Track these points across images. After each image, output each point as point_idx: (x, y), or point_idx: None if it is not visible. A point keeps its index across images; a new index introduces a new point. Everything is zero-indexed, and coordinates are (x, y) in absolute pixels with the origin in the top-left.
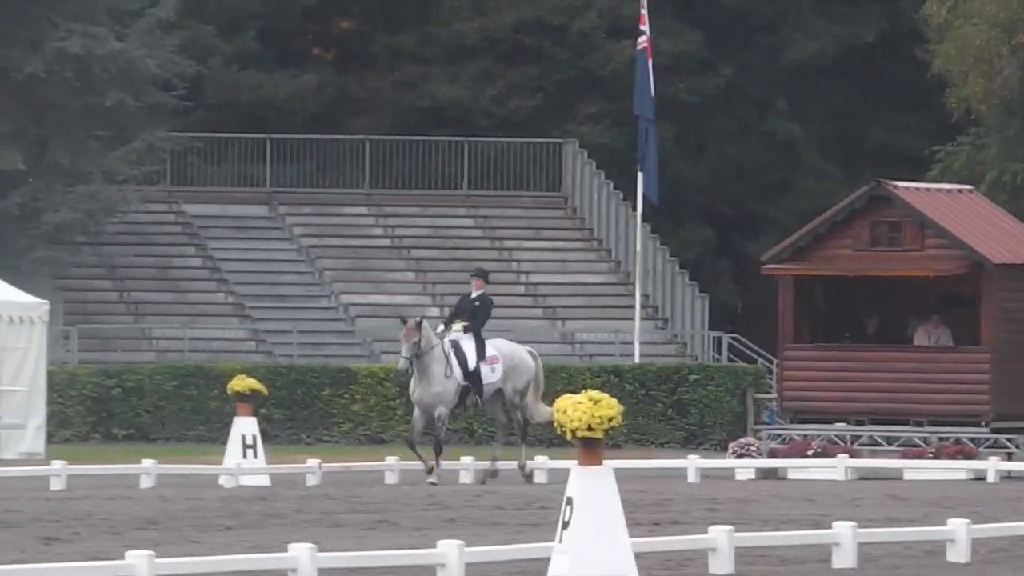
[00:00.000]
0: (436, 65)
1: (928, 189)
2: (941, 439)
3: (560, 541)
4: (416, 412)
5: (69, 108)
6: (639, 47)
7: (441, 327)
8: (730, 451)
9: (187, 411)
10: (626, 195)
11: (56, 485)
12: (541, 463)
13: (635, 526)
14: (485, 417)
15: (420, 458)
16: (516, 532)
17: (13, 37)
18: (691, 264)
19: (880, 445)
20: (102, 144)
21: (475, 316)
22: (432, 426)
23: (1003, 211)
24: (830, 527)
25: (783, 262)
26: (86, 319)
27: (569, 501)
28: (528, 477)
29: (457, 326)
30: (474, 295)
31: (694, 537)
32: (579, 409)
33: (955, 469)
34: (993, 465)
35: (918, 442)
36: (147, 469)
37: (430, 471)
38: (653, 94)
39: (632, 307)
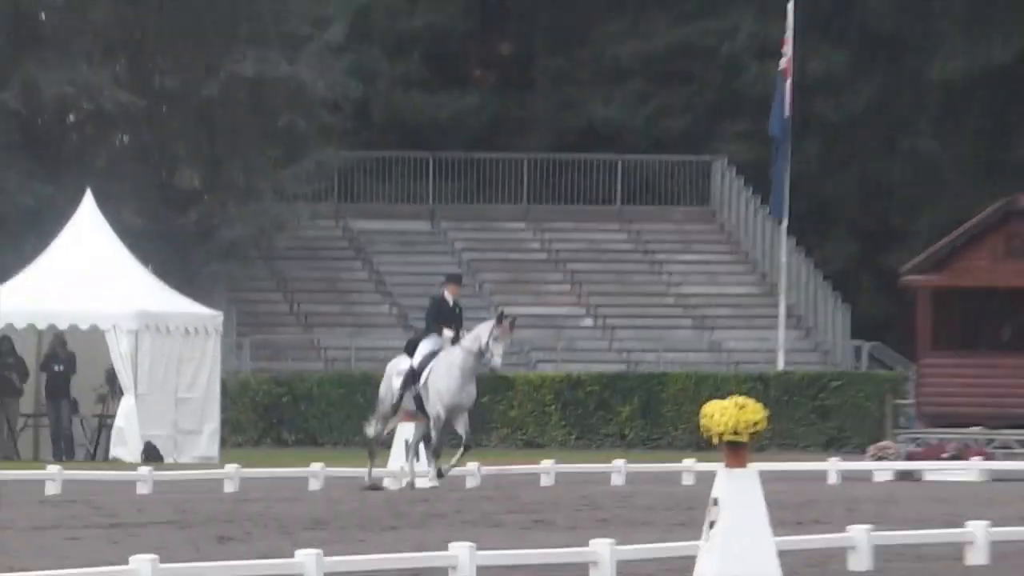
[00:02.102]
0: (592, 87)
1: None
2: None
3: (707, 539)
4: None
5: (243, 129)
6: (780, 68)
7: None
8: (869, 454)
9: (354, 417)
10: (772, 210)
11: (229, 487)
12: (689, 465)
13: (779, 525)
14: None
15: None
16: (665, 531)
17: (190, 63)
18: (834, 275)
19: (1013, 448)
20: (274, 163)
21: (461, 325)
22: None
23: None
24: (964, 526)
25: (922, 273)
26: (258, 330)
27: (715, 501)
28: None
29: (449, 333)
30: (451, 301)
31: (835, 536)
32: (725, 414)
33: None
34: None
35: None
36: (316, 472)
37: (440, 473)
38: (788, 114)
39: (776, 316)
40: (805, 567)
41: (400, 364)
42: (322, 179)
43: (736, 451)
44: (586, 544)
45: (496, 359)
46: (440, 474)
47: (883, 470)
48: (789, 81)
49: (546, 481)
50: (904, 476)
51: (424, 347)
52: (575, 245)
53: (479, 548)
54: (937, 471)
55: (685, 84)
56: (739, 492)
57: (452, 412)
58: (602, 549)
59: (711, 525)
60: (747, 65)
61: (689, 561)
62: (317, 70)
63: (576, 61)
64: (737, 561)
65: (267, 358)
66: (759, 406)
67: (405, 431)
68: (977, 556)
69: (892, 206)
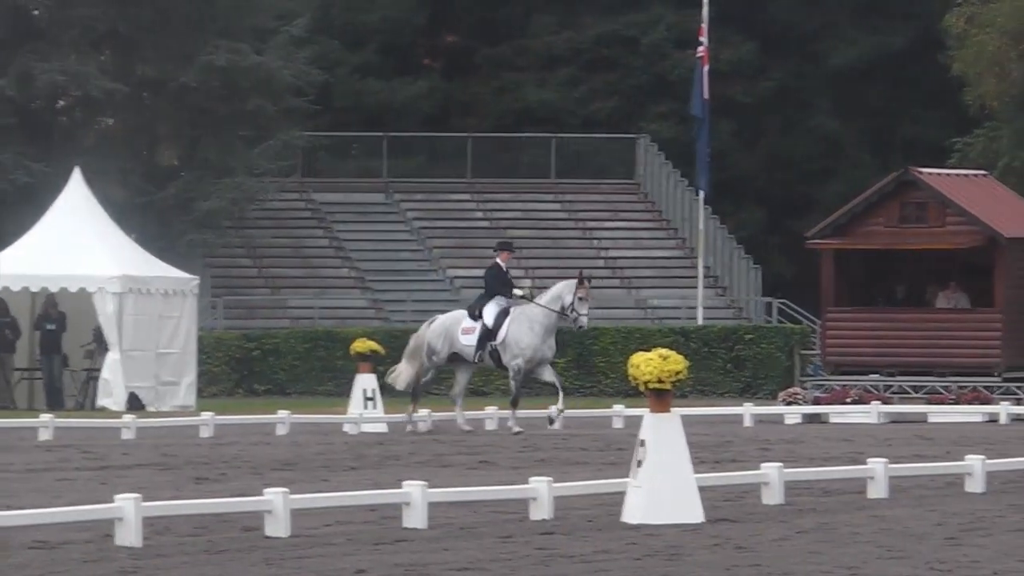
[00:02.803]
0: (529, 72)
1: (949, 174)
2: (960, 387)
3: (635, 477)
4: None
5: (217, 112)
6: (697, 56)
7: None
8: (780, 399)
9: (317, 369)
10: (691, 182)
11: (205, 433)
12: (619, 411)
13: (699, 464)
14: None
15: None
16: (598, 470)
17: (168, 53)
18: (746, 240)
19: (908, 393)
20: (245, 143)
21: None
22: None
23: (1014, 193)
24: (866, 463)
25: (825, 238)
26: (231, 292)
27: (642, 443)
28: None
29: (519, 292)
30: (504, 267)
31: (750, 473)
32: (651, 364)
33: (972, 413)
34: (1005, 409)
35: (940, 390)
36: (283, 419)
37: (551, 420)
38: (707, 97)
39: (696, 277)
40: (723, 501)
41: (464, 322)
42: (288, 157)
43: (660, 398)
44: (526, 482)
45: (583, 319)
46: (551, 420)
47: (792, 414)
48: (706, 68)
49: (491, 426)
50: (811, 419)
51: (492, 308)
52: (514, 215)
53: (430, 486)
54: (841, 414)
55: (612, 70)
56: (663, 434)
57: (535, 364)
58: (541, 486)
59: (639, 464)
60: (668, 53)
61: (619, 497)
62: (283, 59)
63: (514, 50)
64: (662, 495)
65: (239, 317)
66: (680, 357)
67: (363, 381)
68: (877, 490)
69: (798, 178)
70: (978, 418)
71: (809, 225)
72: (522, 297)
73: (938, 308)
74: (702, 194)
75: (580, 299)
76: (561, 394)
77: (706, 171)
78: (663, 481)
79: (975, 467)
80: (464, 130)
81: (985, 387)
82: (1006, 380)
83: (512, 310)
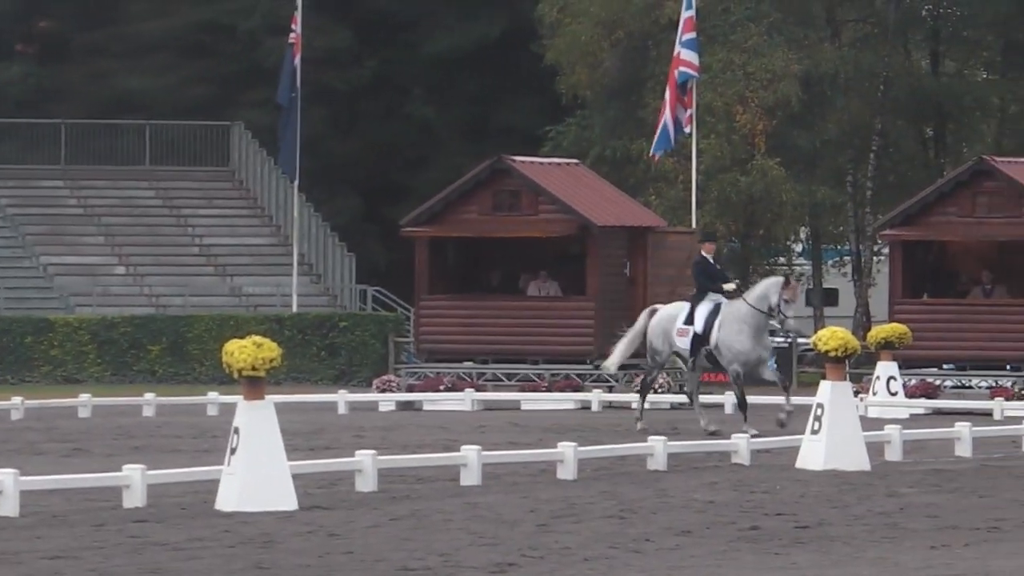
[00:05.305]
0: (124, 59)
1: (542, 163)
2: (553, 375)
3: (229, 465)
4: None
5: None
6: (289, 43)
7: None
8: (374, 387)
9: None
10: (285, 170)
11: None
12: (213, 398)
13: (293, 451)
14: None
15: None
16: (193, 458)
17: None
18: (342, 228)
19: (502, 381)
20: None
21: (727, 278)
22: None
23: (605, 182)
24: (459, 451)
25: (420, 225)
26: None
27: (236, 431)
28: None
29: (731, 286)
30: (711, 258)
31: (343, 460)
32: (245, 352)
33: (565, 400)
34: (596, 397)
35: (533, 378)
36: None
37: (781, 423)
38: (299, 84)
39: (290, 264)
40: (317, 489)
41: (678, 320)
42: None
43: (254, 385)
44: (120, 470)
45: (790, 321)
46: (781, 424)
47: (387, 401)
48: (299, 56)
49: (84, 413)
50: (406, 406)
51: (702, 310)
52: (109, 202)
53: (23, 474)
54: (435, 402)
55: (207, 57)
56: (257, 422)
57: (752, 367)
58: (134, 474)
59: (233, 452)
60: (262, 40)
61: (214, 485)
62: None
63: (109, 36)
64: (256, 483)
65: None
66: (274, 345)
67: None
68: (470, 477)
69: (394, 165)
70: (570, 405)
71: (405, 212)
72: (733, 292)
73: (531, 296)
74: (296, 182)
75: (786, 301)
76: (786, 393)
77: (293, 159)
78: (257, 469)
79: (567, 454)
80: (58, 116)
81: (578, 375)
82: (598, 368)
83: (722, 309)
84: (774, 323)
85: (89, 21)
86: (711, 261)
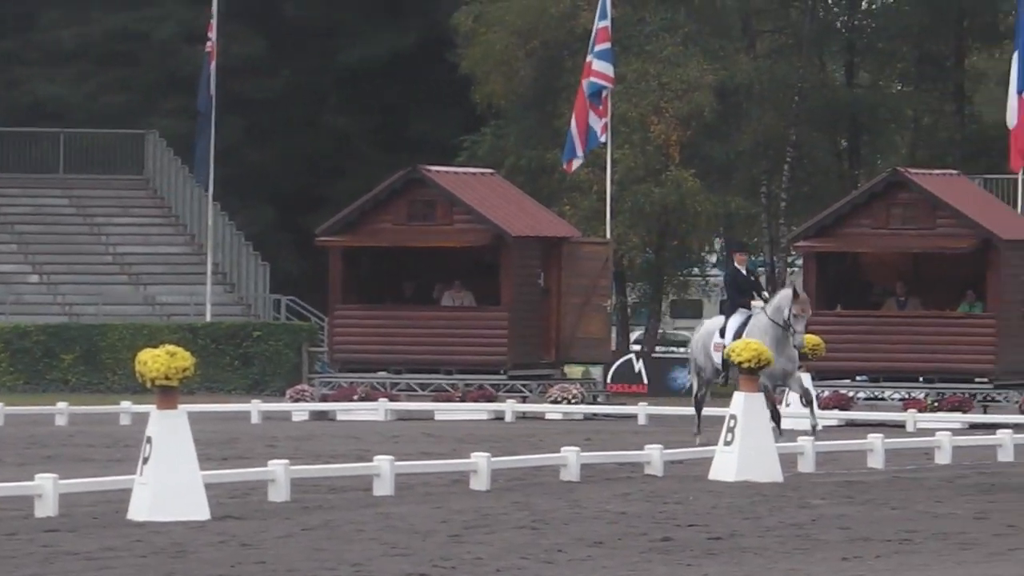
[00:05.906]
0: (38, 66)
1: (457, 172)
2: (467, 385)
3: (141, 474)
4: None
5: None
6: (206, 51)
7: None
8: (288, 396)
9: None
10: (199, 179)
11: None
12: (126, 407)
13: (206, 461)
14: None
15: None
16: (105, 467)
17: None
18: (256, 237)
19: (415, 391)
20: None
21: (761, 288)
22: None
23: (520, 192)
24: (372, 461)
25: (334, 235)
26: None
27: (149, 440)
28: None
29: (758, 303)
30: (744, 270)
31: (256, 470)
32: (158, 361)
33: (479, 410)
34: (510, 407)
35: (447, 388)
36: None
37: (814, 432)
38: (214, 92)
39: (204, 274)
40: (229, 499)
41: (715, 337)
42: None
43: (167, 394)
44: (32, 479)
45: (799, 336)
46: (814, 433)
47: (300, 411)
48: (214, 64)
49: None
50: (319, 416)
51: (732, 325)
52: (23, 210)
53: None
54: (348, 411)
55: (123, 65)
56: (170, 431)
57: (780, 380)
58: (46, 483)
59: (145, 461)
60: (178, 48)
61: (126, 494)
62: None
63: (22, 44)
64: (168, 492)
65: None
66: (188, 354)
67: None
68: (383, 487)
69: (310, 175)
70: (484, 415)
71: (319, 222)
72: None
73: (445, 306)
74: (210, 190)
75: (796, 316)
76: (810, 408)
77: (207, 168)
78: (169, 478)
79: (480, 464)
80: None
81: (491, 385)
82: (512, 378)
83: (750, 323)
84: (789, 337)
85: (2, 28)
86: (743, 272)
